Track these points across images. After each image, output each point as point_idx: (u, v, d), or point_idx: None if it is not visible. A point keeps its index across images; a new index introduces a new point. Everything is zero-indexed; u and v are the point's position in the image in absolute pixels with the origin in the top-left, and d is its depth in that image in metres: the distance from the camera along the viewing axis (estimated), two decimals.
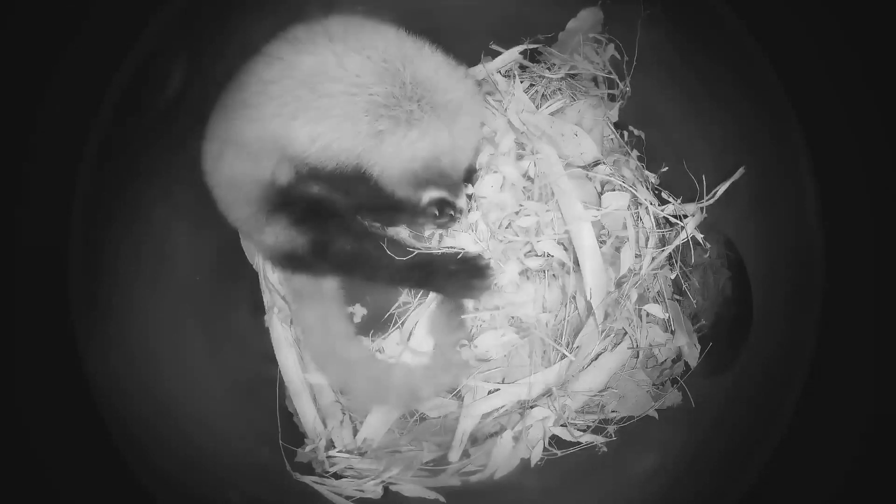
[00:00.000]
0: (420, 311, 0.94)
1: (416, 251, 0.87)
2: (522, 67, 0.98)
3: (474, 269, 0.89)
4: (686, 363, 0.88)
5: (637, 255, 0.91)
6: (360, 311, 0.98)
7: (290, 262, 0.87)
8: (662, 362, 0.90)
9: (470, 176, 0.81)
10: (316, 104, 0.65)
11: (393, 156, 0.67)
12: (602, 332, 0.88)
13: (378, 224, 0.91)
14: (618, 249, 0.91)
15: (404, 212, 0.88)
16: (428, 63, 0.69)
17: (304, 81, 0.66)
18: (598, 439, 0.85)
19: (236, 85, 0.75)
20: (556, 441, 0.87)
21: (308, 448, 0.88)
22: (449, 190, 0.72)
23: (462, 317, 0.90)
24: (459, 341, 0.89)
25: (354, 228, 0.85)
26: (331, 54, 0.65)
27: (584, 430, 0.87)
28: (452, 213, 0.91)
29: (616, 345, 0.90)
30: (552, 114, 0.96)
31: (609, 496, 0.82)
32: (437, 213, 0.89)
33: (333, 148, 0.67)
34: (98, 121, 0.72)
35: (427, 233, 0.94)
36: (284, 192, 0.80)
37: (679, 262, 0.91)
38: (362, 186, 0.75)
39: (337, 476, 0.85)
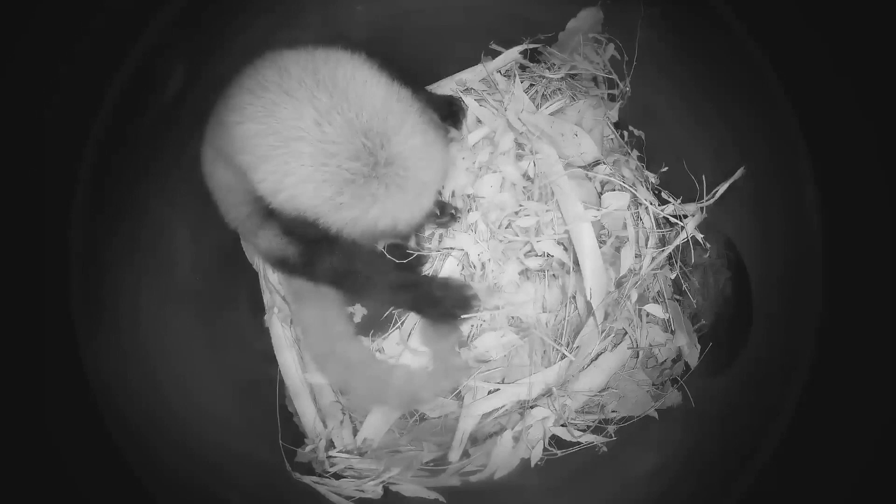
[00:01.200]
0: None
1: (415, 254, 0.88)
2: (522, 67, 0.98)
3: (459, 298, 0.89)
4: (686, 363, 0.88)
5: (637, 255, 0.91)
6: (360, 311, 0.98)
7: (283, 267, 0.87)
8: (662, 362, 0.90)
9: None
10: (284, 158, 0.63)
11: (353, 221, 0.66)
12: (602, 332, 0.88)
13: None
14: (618, 249, 0.91)
15: None
16: (408, 141, 0.64)
17: (279, 131, 0.63)
18: (598, 439, 0.85)
19: (228, 93, 0.72)
20: (556, 441, 0.87)
21: (308, 448, 0.88)
22: (402, 240, 0.76)
23: (455, 321, 0.90)
24: (456, 345, 0.89)
25: (343, 244, 0.85)
26: (312, 109, 0.62)
27: (584, 430, 0.87)
28: (453, 212, 0.91)
29: (616, 345, 0.90)
30: (552, 114, 0.96)
31: (609, 496, 0.82)
32: (437, 212, 0.89)
33: (296, 202, 0.66)
34: (98, 121, 0.72)
35: (427, 232, 0.94)
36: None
37: (679, 262, 0.91)
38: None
39: (337, 476, 0.85)
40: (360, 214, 0.64)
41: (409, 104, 0.66)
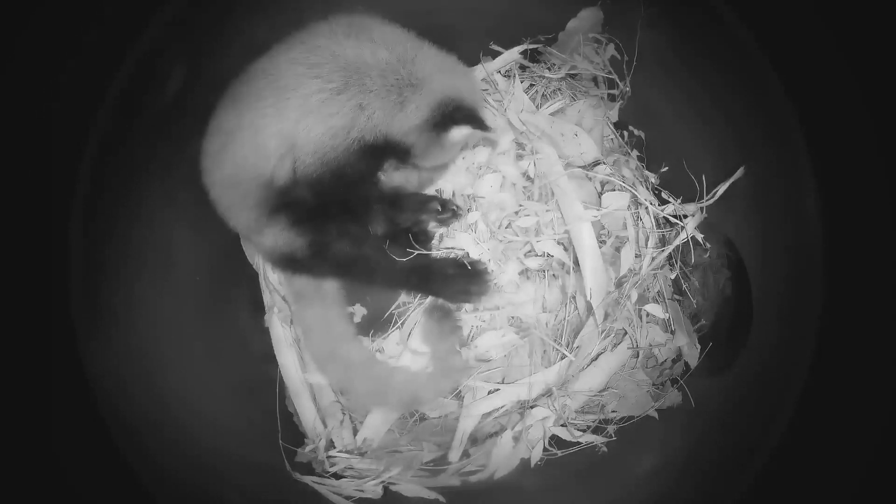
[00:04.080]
0: (420, 312, 0.94)
1: (416, 252, 0.87)
2: (522, 67, 0.99)
3: (472, 273, 0.89)
4: (686, 363, 0.88)
5: (637, 255, 0.91)
6: (360, 311, 0.98)
7: (289, 263, 0.87)
8: (662, 362, 0.90)
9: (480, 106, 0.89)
10: (362, 81, 0.75)
11: (415, 114, 0.77)
12: (602, 332, 0.88)
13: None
14: (618, 249, 0.91)
15: (407, 209, 0.89)
16: (426, 49, 0.80)
17: (349, 65, 0.75)
18: (598, 439, 0.85)
19: (252, 75, 0.78)
20: (556, 441, 0.87)
21: (308, 448, 0.88)
22: (473, 122, 0.79)
23: (456, 321, 0.90)
24: (455, 346, 0.89)
25: (353, 231, 0.86)
26: (368, 44, 0.76)
27: (584, 430, 0.86)
28: (455, 208, 0.91)
29: (616, 345, 0.90)
30: (552, 114, 0.96)
31: (609, 496, 0.82)
32: (439, 208, 0.89)
33: (377, 117, 0.77)
34: (98, 121, 0.72)
35: (430, 231, 0.94)
36: (283, 192, 0.80)
37: (679, 262, 0.91)
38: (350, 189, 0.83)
39: (337, 476, 0.85)
40: (418, 100, 0.77)
41: (419, 41, 0.81)
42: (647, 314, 0.90)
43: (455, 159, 0.93)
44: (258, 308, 0.96)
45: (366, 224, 0.89)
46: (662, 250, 0.90)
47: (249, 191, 0.80)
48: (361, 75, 0.75)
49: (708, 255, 0.88)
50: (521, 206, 0.93)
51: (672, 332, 0.90)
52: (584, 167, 0.94)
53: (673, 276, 0.91)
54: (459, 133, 0.78)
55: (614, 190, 0.91)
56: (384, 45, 0.77)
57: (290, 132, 0.77)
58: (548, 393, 0.88)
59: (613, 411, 0.88)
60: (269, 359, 0.93)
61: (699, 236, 0.88)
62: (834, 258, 0.70)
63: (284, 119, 0.76)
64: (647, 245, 0.92)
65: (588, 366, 0.89)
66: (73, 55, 0.69)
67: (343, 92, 0.75)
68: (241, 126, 0.77)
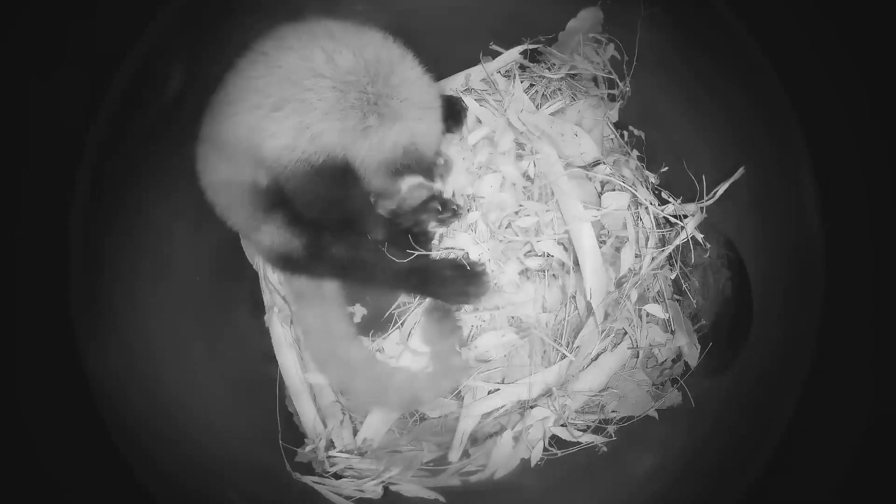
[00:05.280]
0: (420, 312, 0.94)
1: (416, 253, 0.87)
2: (522, 67, 0.98)
3: (470, 274, 0.88)
4: (686, 363, 0.88)
5: (637, 255, 0.91)
6: (360, 311, 0.98)
7: (287, 263, 0.87)
8: (662, 362, 0.90)
9: (436, 162, 0.86)
10: (300, 96, 0.67)
11: (376, 148, 0.70)
12: (602, 332, 0.88)
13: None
14: (618, 249, 0.91)
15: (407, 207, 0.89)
16: (407, 68, 0.73)
17: (289, 75, 0.67)
18: (598, 439, 0.85)
19: (223, 85, 0.76)
20: (556, 441, 0.87)
21: (308, 448, 0.88)
22: (424, 173, 0.75)
23: (455, 321, 0.90)
24: (455, 346, 0.89)
25: (350, 235, 0.86)
26: (319, 50, 0.67)
27: (584, 430, 0.86)
28: (455, 207, 0.91)
29: (616, 345, 0.90)
30: (552, 114, 0.96)
31: (609, 496, 0.82)
32: (439, 208, 0.89)
33: (322, 140, 0.69)
34: (98, 121, 0.72)
35: (430, 230, 0.94)
36: (273, 192, 0.80)
37: (679, 262, 0.91)
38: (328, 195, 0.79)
39: (337, 476, 0.85)
40: (384, 134, 0.68)
41: (401, 51, 0.73)
42: (647, 314, 0.90)
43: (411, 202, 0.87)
44: (258, 308, 0.96)
45: (363, 232, 0.88)
46: (662, 250, 0.90)
47: (241, 193, 0.80)
48: (303, 88, 0.66)
49: (708, 255, 0.88)
50: (521, 206, 0.93)
51: (672, 332, 0.90)
52: (584, 167, 0.94)
53: (673, 276, 0.91)
54: (412, 182, 0.74)
55: (614, 190, 0.91)
56: (351, 51, 0.67)
57: (254, 144, 0.71)
58: (548, 393, 0.88)
59: (613, 411, 0.88)
60: (269, 359, 0.93)
61: (699, 236, 0.88)
62: (834, 258, 0.70)
63: (242, 131, 0.71)
64: (647, 245, 0.92)
65: (588, 366, 0.89)
66: (72, 55, 0.69)
67: (280, 108, 0.67)
68: (217, 135, 0.76)
